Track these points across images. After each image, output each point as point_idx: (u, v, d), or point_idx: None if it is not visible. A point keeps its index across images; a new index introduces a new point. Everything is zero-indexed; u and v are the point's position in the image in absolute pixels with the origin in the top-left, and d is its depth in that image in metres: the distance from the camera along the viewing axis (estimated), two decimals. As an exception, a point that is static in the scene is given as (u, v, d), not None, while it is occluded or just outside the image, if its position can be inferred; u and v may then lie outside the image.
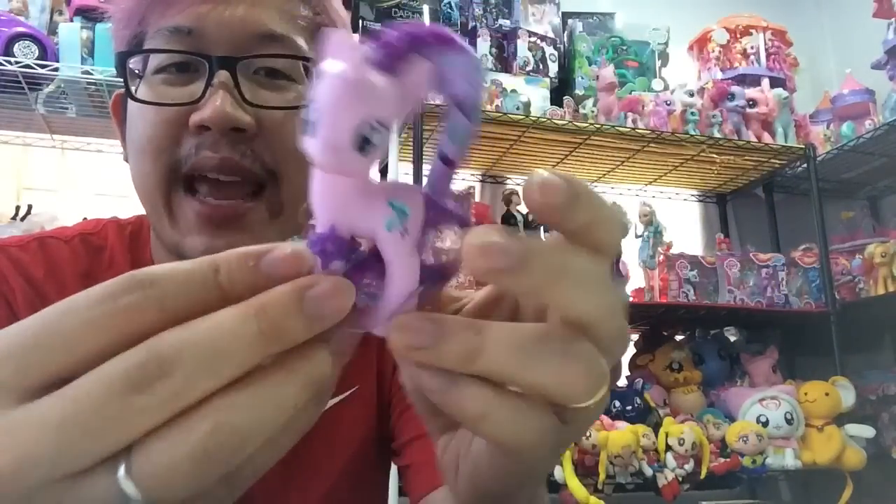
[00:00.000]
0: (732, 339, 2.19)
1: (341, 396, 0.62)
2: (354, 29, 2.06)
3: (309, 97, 0.22)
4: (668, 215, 2.12)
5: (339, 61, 0.22)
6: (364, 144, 0.21)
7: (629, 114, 1.99)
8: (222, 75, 0.52)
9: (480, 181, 2.26)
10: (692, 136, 2.02)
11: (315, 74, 0.22)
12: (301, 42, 0.57)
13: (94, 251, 0.63)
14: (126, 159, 0.61)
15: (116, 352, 0.21)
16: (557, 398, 0.24)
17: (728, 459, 1.75)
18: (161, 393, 0.21)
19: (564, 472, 1.58)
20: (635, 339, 2.12)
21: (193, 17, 0.53)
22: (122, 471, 0.21)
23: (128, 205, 0.64)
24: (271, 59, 0.56)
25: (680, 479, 1.71)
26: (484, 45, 2.14)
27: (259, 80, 0.56)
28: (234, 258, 0.23)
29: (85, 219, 0.71)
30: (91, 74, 1.62)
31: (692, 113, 2.04)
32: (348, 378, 0.62)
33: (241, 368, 0.22)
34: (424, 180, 0.26)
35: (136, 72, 0.57)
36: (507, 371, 0.24)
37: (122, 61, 0.56)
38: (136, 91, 0.56)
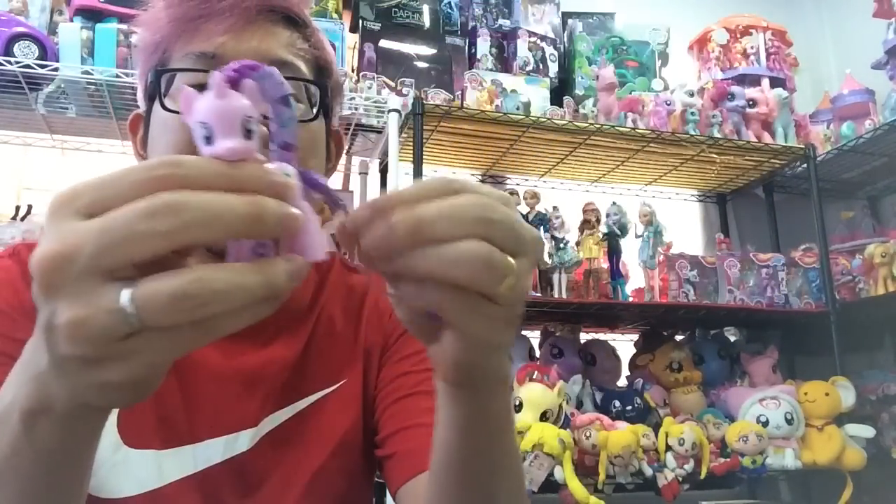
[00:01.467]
0: (732, 339, 2.19)
1: (330, 388, 0.71)
2: (354, 29, 2.06)
3: (193, 122, 0.33)
4: (668, 215, 2.12)
5: (208, 94, 0.33)
6: (248, 132, 0.33)
7: (629, 114, 1.99)
8: None
9: (480, 181, 2.26)
10: (692, 136, 2.02)
11: (191, 106, 0.34)
12: (304, 69, 0.67)
13: None
14: None
15: None
16: (469, 285, 0.34)
17: (728, 459, 1.75)
18: (166, 225, 0.30)
19: (565, 473, 1.58)
20: (635, 339, 2.13)
21: (215, 45, 0.63)
22: (127, 294, 0.30)
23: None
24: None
25: (680, 479, 1.71)
26: (484, 45, 2.14)
27: None
28: (252, 169, 0.33)
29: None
30: (91, 74, 1.62)
31: (692, 113, 2.04)
32: (337, 373, 0.71)
33: (223, 234, 0.31)
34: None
35: (160, 91, 0.66)
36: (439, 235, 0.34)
37: (157, 77, 0.65)
38: (160, 107, 0.64)
